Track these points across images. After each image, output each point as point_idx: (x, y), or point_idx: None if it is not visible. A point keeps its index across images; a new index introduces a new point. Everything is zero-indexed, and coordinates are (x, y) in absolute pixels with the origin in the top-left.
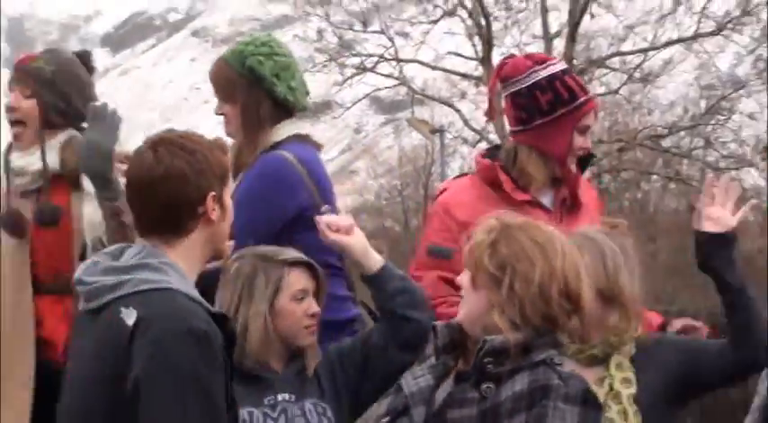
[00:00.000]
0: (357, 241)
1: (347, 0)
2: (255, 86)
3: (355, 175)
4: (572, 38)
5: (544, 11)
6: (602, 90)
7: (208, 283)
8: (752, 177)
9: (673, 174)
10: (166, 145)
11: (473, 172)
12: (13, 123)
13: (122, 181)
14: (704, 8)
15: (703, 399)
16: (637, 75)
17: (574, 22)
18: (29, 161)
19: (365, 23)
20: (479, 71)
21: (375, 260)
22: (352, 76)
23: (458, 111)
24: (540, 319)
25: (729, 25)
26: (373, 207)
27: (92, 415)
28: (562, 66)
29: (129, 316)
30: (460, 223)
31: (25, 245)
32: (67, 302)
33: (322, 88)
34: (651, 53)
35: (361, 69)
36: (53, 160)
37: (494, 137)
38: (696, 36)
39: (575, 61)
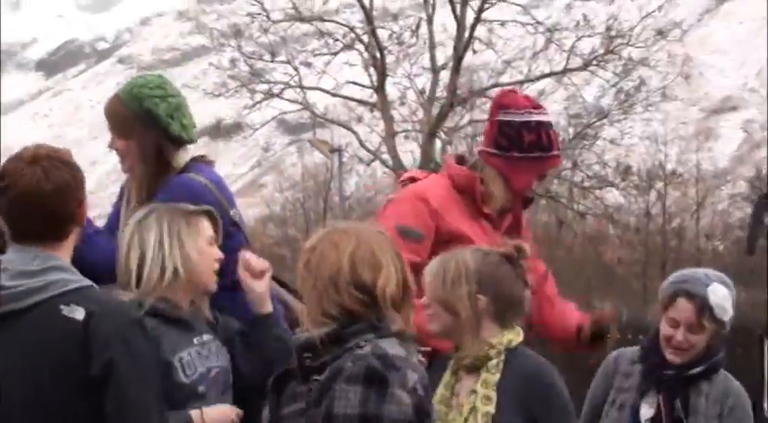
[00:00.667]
0: (261, 287)
1: (257, 33)
2: (152, 125)
3: (263, 188)
4: (456, 70)
5: (432, 46)
6: (483, 117)
7: None
8: (613, 196)
9: (544, 192)
10: (49, 160)
11: (442, 172)
12: None
13: None
14: (572, 46)
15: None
16: None
17: (458, 57)
18: None
19: (273, 54)
20: (374, 98)
21: (268, 307)
22: (261, 101)
23: (355, 133)
24: (338, 311)
25: (594, 62)
26: (279, 217)
27: (50, 405)
28: (549, 118)
29: (74, 312)
30: (432, 210)
31: None
32: None
33: (234, 111)
34: (526, 85)
35: (270, 95)
36: None
37: (386, 156)
38: (565, 71)
39: (459, 91)
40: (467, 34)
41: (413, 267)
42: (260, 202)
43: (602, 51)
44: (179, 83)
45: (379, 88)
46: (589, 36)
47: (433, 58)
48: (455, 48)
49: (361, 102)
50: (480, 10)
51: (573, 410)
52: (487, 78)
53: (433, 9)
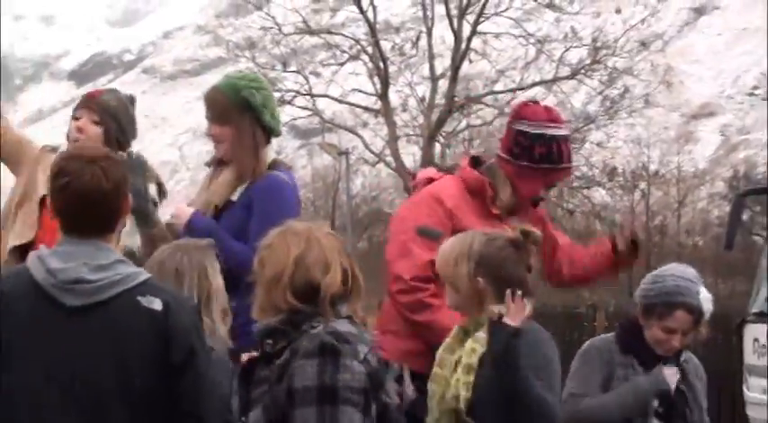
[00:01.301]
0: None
1: (270, 45)
2: (247, 112)
3: None
4: (454, 79)
5: (431, 57)
6: (478, 122)
7: None
8: (600, 195)
9: None
10: (107, 160)
11: (456, 174)
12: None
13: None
14: (561, 57)
15: None
16: (507, 110)
17: (455, 67)
18: None
19: (284, 64)
20: (378, 105)
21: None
22: None
23: (360, 137)
24: (283, 305)
25: (582, 71)
26: None
27: (139, 390)
28: (566, 132)
29: (153, 303)
30: (447, 210)
31: None
32: None
33: None
34: (519, 92)
35: (281, 102)
36: None
37: (389, 159)
38: (555, 79)
39: (456, 98)
40: (463, 46)
41: (434, 264)
42: None
43: (588, 61)
44: (198, 91)
45: (383, 96)
46: (577, 47)
47: (432, 68)
48: (453, 58)
49: (366, 108)
50: (476, 23)
51: (559, 369)
52: (482, 86)
53: (432, 23)
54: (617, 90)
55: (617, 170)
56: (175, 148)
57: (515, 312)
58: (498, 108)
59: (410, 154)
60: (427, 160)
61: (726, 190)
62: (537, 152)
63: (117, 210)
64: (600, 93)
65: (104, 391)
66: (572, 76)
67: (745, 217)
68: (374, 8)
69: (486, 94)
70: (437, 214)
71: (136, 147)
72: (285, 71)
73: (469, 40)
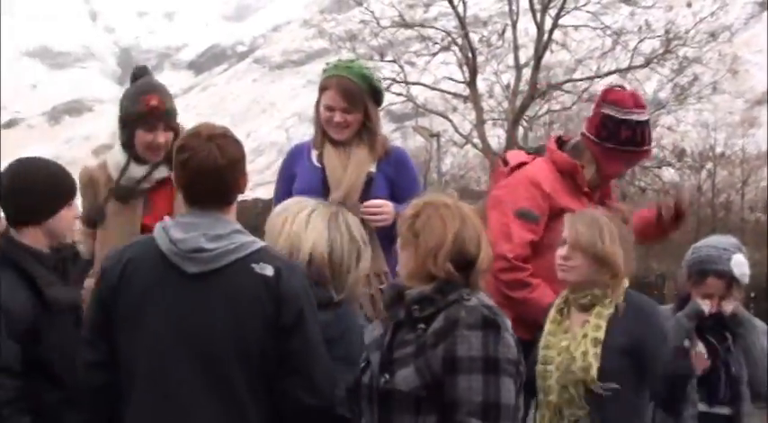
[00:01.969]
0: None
1: (369, 37)
2: (374, 99)
3: None
4: (536, 67)
5: (515, 48)
6: (558, 107)
7: None
8: (669, 174)
9: None
10: (223, 138)
11: (544, 157)
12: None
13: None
14: (636, 47)
15: None
16: (585, 96)
17: (538, 56)
18: (144, 170)
19: (382, 55)
20: (467, 91)
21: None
22: None
23: (450, 120)
24: (442, 271)
25: (654, 60)
26: None
27: (255, 350)
28: (648, 117)
29: (265, 269)
30: (545, 193)
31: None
32: None
33: None
34: (596, 80)
35: None
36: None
37: (476, 141)
38: (629, 68)
39: (538, 85)
40: (545, 37)
41: (532, 245)
42: None
43: (661, 51)
44: (305, 79)
45: (471, 83)
46: (650, 38)
47: (516, 58)
48: (535, 49)
49: (455, 94)
50: (557, 16)
51: (666, 336)
52: (562, 74)
53: (517, 16)
54: (687, 78)
55: (686, 152)
56: (282, 131)
57: None
58: (577, 94)
59: (495, 136)
60: (511, 142)
61: None
62: (623, 135)
63: (232, 184)
64: (671, 80)
65: (222, 350)
66: (645, 64)
67: None
68: (464, 3)
69: (566, 81)
70: (535, 197)
71: (247, 130)
72: (382, 61)
73: (551, 32)
